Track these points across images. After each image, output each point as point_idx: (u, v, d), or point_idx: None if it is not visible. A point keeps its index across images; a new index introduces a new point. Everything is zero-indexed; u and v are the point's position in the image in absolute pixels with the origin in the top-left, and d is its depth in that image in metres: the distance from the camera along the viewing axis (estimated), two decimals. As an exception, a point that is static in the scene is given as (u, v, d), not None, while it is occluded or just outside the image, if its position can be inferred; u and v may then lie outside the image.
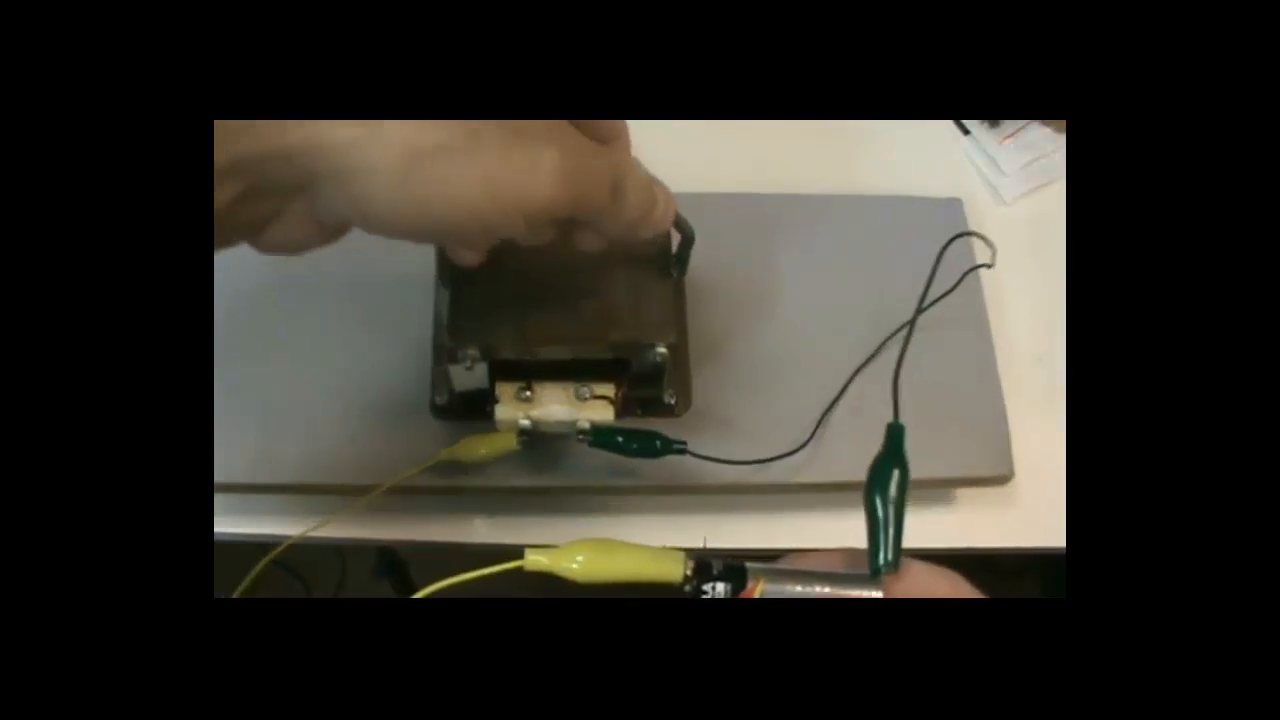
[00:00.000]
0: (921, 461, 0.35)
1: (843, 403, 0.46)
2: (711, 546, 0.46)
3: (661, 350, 0.39)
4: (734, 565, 0.32)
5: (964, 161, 0.59)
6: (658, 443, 0.41)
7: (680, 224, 0.39)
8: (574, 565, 0.32)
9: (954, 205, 0.53)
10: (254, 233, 0.30)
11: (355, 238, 0.31)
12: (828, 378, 0.46)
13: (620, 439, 0.41)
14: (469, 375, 0.40)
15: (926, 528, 0.47)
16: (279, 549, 0.43)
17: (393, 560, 0.90)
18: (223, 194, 0.27)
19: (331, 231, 0.31)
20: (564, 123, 0.31)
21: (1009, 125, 0.58)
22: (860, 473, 0.35)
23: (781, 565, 0.34)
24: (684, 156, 0.40)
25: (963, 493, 0.49)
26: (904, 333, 0.42)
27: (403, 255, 0.38)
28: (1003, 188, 0.57)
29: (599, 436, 0.41)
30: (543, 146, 0.29)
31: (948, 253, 0.44)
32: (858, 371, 0.46)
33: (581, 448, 0.42)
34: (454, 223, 0.28)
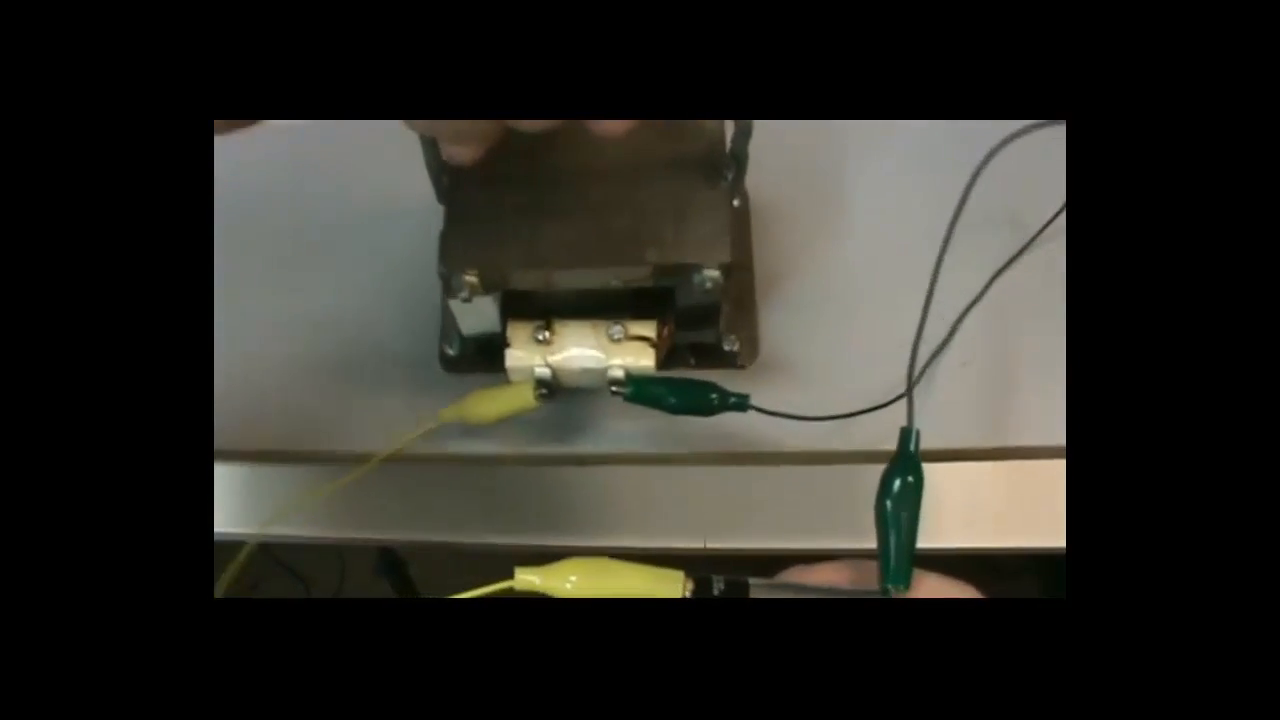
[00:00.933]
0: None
1: (948, 351, 0.37)
2: (711, 546, 0.46)
3: (712, 273, 0.30)
4: (735, 582, 0.30)
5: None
6: (713, 396, 0.33)
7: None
8: (566, 585, 0.30)
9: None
10: None
11: (343, 167, 0.28)
12: (928, 321, 0.36)
13: (664, 391, 0.33)
14: (476, 315, 0.33)
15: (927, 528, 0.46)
16: (256, 539, 0.38)
17: (393, 560, 0.90)
18: None
19: None
20: None
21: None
22: (963, 437, 0.31)
23: (784, 581, 0.32)
24: None
25: (965, 490, 0.49)
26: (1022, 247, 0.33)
27: (404, 184, 0.32)
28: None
29: (637, 388, 0.32)
30: None
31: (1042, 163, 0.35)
32: (963, 316, 0.37)
33: (613, 406, 0.34)
34: None
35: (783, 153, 0.35)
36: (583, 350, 0.33)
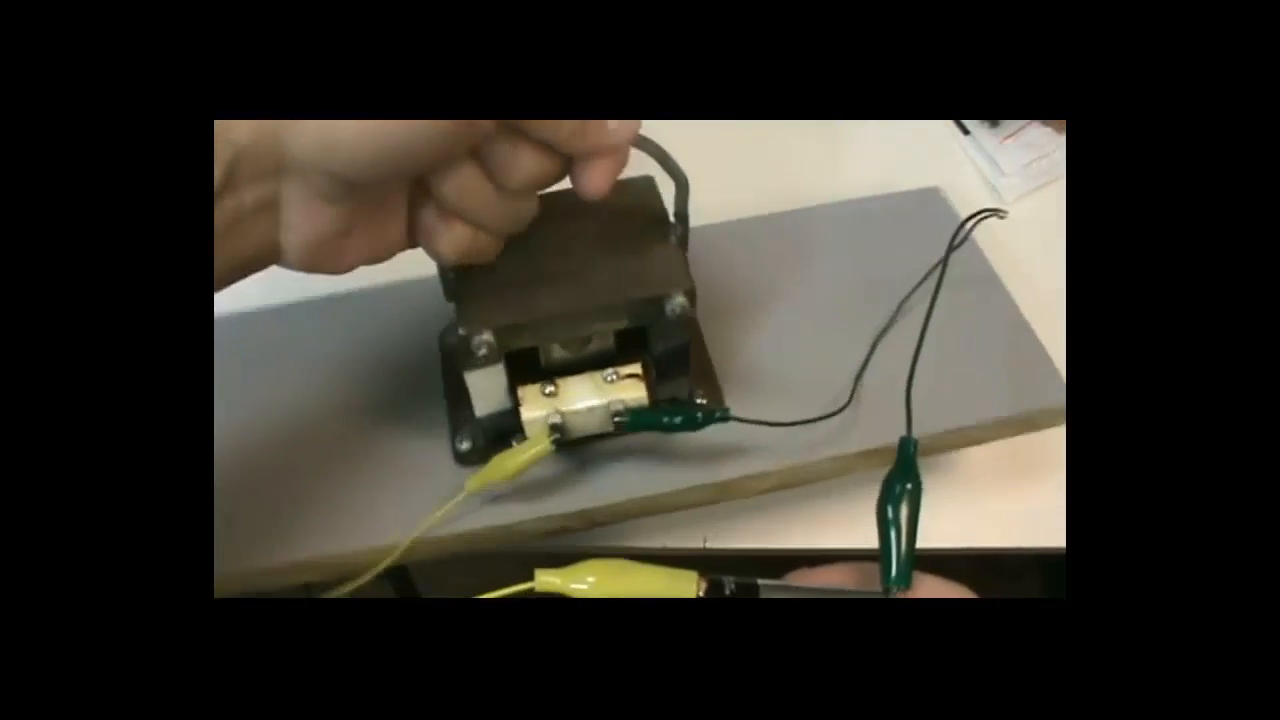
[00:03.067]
0: (970, 409, 0.35)
1: (873, 367, 0.45)
2: (711, 546, 0.46)
3: (681, 300, 0.37)
4: (746, 583, 0.32)
5: (964, 161, 0.59)
6: (699, 413, 0.38)
7: (667, 164, 0.37)
8: (585, 586, 0.31)
9: (932, 194, 0.53)
10: (273, 243, 0.31)
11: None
12: (852, 357, 0.45)
13: (658, 414, 0.38)
14: (488, 389, 0.38)
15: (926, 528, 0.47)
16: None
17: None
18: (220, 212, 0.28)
19: (343, 196, 0.31)
20: None
21: (1009, 125, 0.58)
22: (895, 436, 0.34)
23: (792, 583, 0.33)
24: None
25: (966, 490, 0.49)
26: (920, 291, 0.42)
27: (404, 307, 0.39)
28: (1003, 188, 0.57)
29: (636, 416, 0.38)
30: None
31: (943, 238, 0.44)
32: (879, 339, 0.46)
33: (616, 458, 0.40)
34: (413, 137, 0.29)
35: (725, 267, 0.45)
36: (585, 397, 0.39)
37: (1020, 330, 0.47)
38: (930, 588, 0.32)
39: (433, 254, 0.35)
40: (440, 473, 0.41)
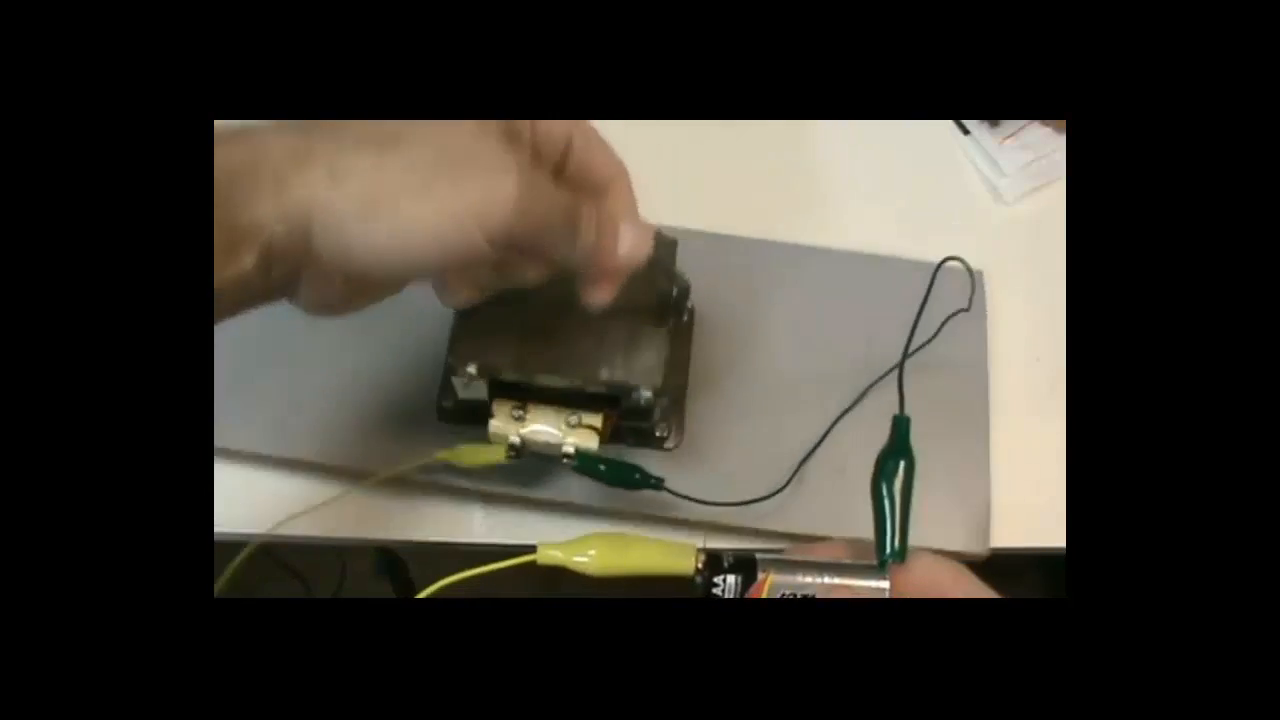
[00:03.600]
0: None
1: (822, 453, 0.47)
2: (711, 547, 0.46)
3: (647, 394, 0.41)
4: (744, 557, 0.33)
5: (964, 161, 0.59)
6: (636, 475, 0.43)
7: (673, 275, 0.41)
8: (586, 559, 0.33)
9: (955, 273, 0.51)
10: (290, 295, 0.33)
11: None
12: (815, 423, 0.47)
13: (601, 467, 0.43)
14: (470, 388, 0.42)
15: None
16: (259, 540, 0.43)
17: (392, 560, 0.90)
18: (243, 262, 0.29)
19: (357, 286, 0.34)
20: (527, 161, 0.32)
21: (1009, 125, 0.58)
22: (831, 527, 0.36)
23: (790, 556, 0.34)
24: (687, 189, 0.40)
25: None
26: (887, 378, 0.44)
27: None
28: (1003, 188, 0.57)
29: (582, 462, 0.42)
30: (497, 175, 0.31)
31: (945, 306, 0.44)
32: (837, 421, 0.47)
33: (564, 468, 0.43)
34: (424, 248, 0.31)
35: (721, 281, 0.46)
36: (546, 429, 0.42)
37: (978, 465, 0.47)
38: (924, 564, 0.33)
39: (441, 300, 0.38)
40: (426, 418, 0.47)
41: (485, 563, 0.34)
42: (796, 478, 0.46)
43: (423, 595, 0.33)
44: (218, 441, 0.44)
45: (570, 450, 0.42)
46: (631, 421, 0.45)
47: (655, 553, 0.33)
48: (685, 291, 0.42)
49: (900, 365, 0.39)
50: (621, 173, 0.36)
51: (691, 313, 0.46)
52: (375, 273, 0.32)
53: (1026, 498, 0.49)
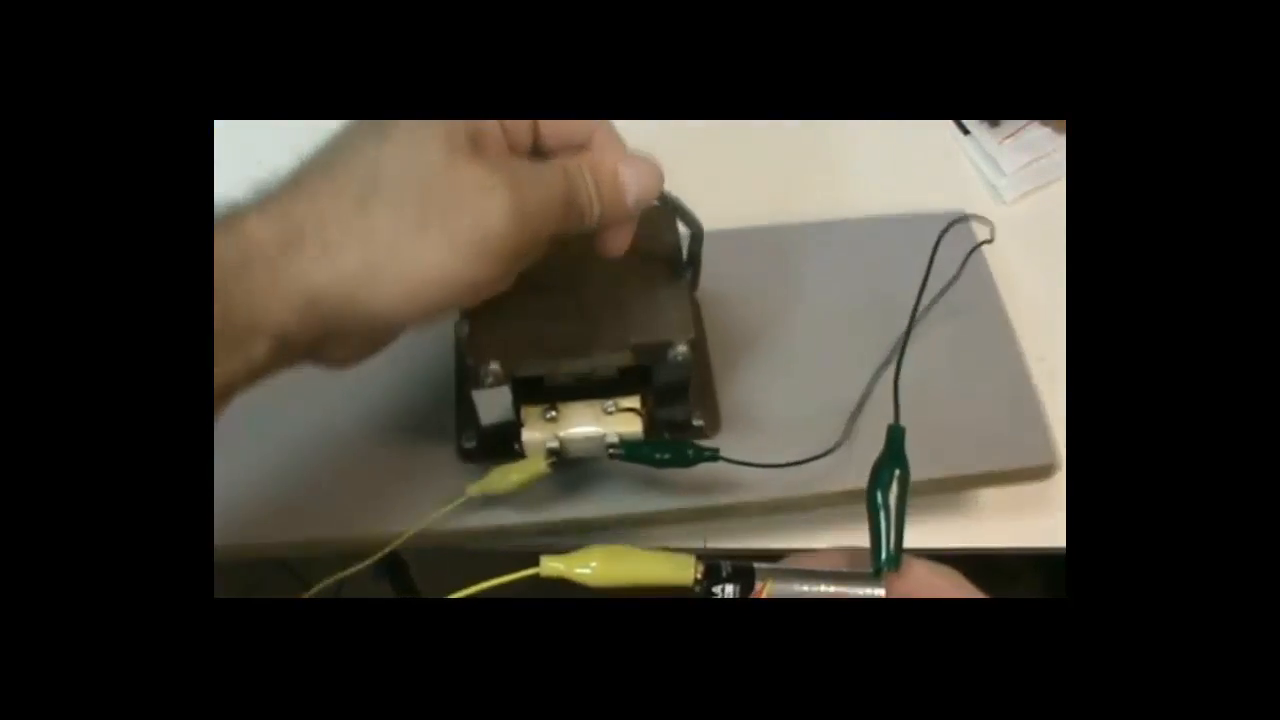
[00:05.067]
0: (954, 458, 0.35)
1: (869, 407, 0.45)
2: (711, 546, 0.46)
3: (683, 349, 0.39)
4: (742, 567, 0.33)
5: (964, 161, 0.59)
6: (690, 451, 0.40)
7: (684, 215, 0.38)
8: (588, 570, 0.33)
9: (951, 217, 0.52)
10: (316, 359, 0.33)
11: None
12: (851, 388, 0.46)
13: (651, 449, 0.40)
14: (493, 404, 0.40)
15: (928, 529, 0.47)
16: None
17: (393, 560, 0.90)
18: (253, 352, 0.29)
19: (381, 336, 0.34)
20: (501, 158, 0.32)
21: (1009, 125, 0.58)
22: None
23: (787, 565, 0.34)
24: (684, 189, 0.39)
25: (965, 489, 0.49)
26: (924, 322, 0.42)
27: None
28: (1003, 188, 0.57)
29: (630, 449, 0.40)
30: (483, 197, 0.30)
31: (954, 250, 0.44)
32: (878, 374, 0.46)
33: (612, 473, 0.41)
34: (439, 291, 0.31)
35: (731, 275, 0.45)
36: (584, 424, 0.40)
37: (1020, 381, 0.46)
38: (919, 572, 0.33)
39: None
40: (444, 465, 0.43)
41: (488, 561, 0.34)
42: (851, 432, 0.44)
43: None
44: (226, 540, 0.40)
45: (615, 439, 0.40)
46: (664, 410, 0.42)
47: (656, 564, 0.33)
48: (699, 236, 0.40)
49: (899, 357, 0.38)
50: (598, 125, 0.35)
51: (694, 343, 0.44)
52: (400, 322, 0.32)
53: (1027, 499, 0.49)
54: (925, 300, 0.47)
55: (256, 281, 0.29)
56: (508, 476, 0.40)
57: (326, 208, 0.30)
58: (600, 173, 0.33)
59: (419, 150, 0.30)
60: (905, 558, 0.33)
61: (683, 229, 0.41)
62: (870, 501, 0.34)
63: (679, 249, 0.41)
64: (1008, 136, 0.58)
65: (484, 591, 0.33)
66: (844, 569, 0.34)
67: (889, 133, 0.59)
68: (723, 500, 0.43)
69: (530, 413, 0.40)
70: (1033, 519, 0.48)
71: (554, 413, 0.40)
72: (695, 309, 0.42)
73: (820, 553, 0.36)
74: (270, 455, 0.44)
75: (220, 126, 0.32)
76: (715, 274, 0.43)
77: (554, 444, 0.40)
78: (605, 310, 0.39)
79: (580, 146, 0.34)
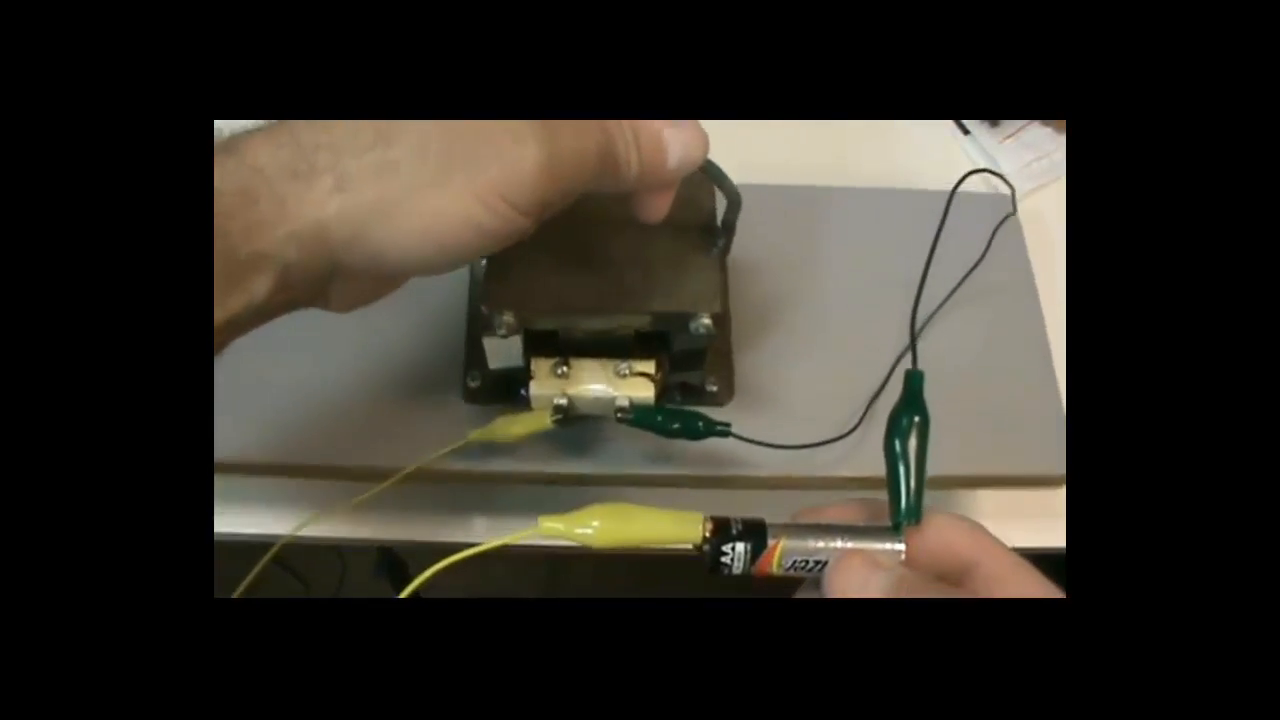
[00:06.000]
0: (965, 454, 0.34)
1: (889, 393, 0.44)
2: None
3: (706, 321, 0.37)
4: (753, 523, 0.31)
5: (964, 161, 0.59)
6: (700, 424, 0.39)
7: (723, 183, 0.37)
8: (589, 530, 0.31)
9: (1001, 200, 0.51)
10: (320, 302, 0.31)
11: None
12: (874, 365, 0.45)
13: (661, 418, 0.39)
14: (503, 351, 0.39)
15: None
16: (282, 541, 0.43)
17: (393, 560, 0.90)
18: (254, 291, 0.28)
19: (390, 279, 0.33)
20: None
21: (1009, 125, 0.58)
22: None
23: (800, 521, 0.32)
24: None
25: (964, 490, 0.49)
26: (945, 306, 0.41)
27: None
28: (1003, 188, 0.57)
29: (639, 415, 0.38)
30: (514, 145, 0.29)
31: (986, 227, 0.43)
32: (900, 359, 0.45)
33: (617, 432, 0.40)
34: (457, 236, 0.29)
35: (755, 229, 0.42)
36: (595, 383, 0.39)
37: (1045, 380, 0.44)
38: (939, 524, 0.32)
39: None
40: (449, 402, 0.43)
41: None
42: (868, 416, 0.43)
43: (425, 575, 0.32)
44: (223, 455, 0.41)
45: (625, 404, 0.38)
46: (678, 374, 0.41)
47: (661, 522, 0.31)
48: (737, 203, 0.38)
49: (913, 316, 0.38)
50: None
51: (719, 318, 0.43)
52: (410, 268, 0.30)
53: (1027, 497, 0.49)
54: (954, 279, 0.45)
55: (260, 212, 0.27)
56: (510, 428, 0.39)
57: (342, 137, 0.28)
58: (643, 132, 0.32)
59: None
60: (926, 509, 0.32)
61: (720, 197, 0.39)
62: (888, 451, 0.32)
63: (714, 216, 0.39)
64: (1008, 136, 0.58)
65: (481, 569, 0.32)
66: (861, 523, 0.32)
67: (890, 132, 0.59)
68: (727, 472, 0.42)
69: (540, 365, 0.39)
70: (1032, 518, 0.48)
71: (565, 368, 0.39)
72: (724, 280, 0.40)
73: (835, 506, 0.34)
74: (278, 379, 0.43)
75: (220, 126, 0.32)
76: (745, 234, 0.41)
77: (562, 400, 0.39)
78: (630, 271, 0.37)
79: None
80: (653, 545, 0.32)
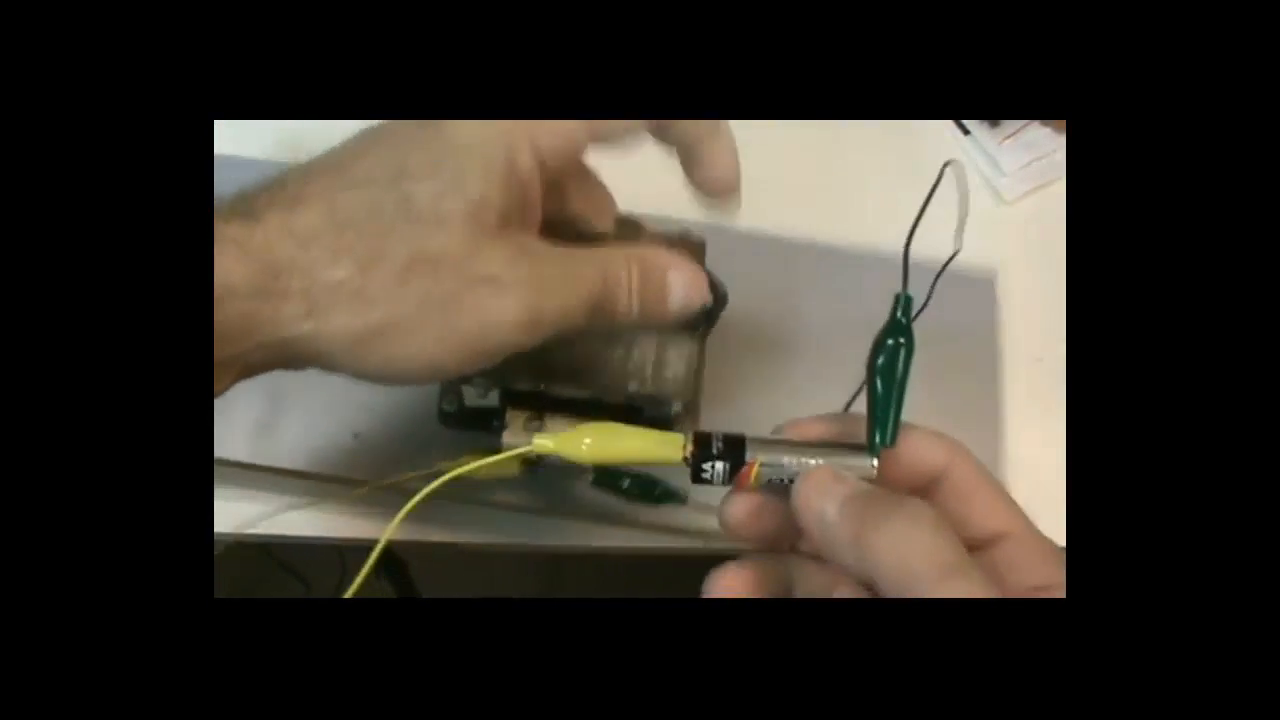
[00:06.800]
0: None
1: None
2: (714, 547, 0.46)
3: (677, 408, 0.39)
4: (733, 438, 0.32)
5: (964, 161, 0.59)
6: (656, 490, 0.41)
7: (714, 284, 0.38)
8: (581, 448, 0.32)
9: (985, 283, 0.52)
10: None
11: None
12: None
13: (623, 483, 0.41)
14: (480, 395, 0.40)
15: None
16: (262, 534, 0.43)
17: (393, 560, 0.90)
18: (224, 381, 0.28)
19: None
20: (531, 243, 0.29)
21: (1009, 125, 0.58)
22: None
23: (777, 437, 0.33)
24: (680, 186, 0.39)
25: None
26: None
27: None
28: (1003, 188, 0.57)
29: (600, 476, 0.40)
30: (495, 297, 0.28)
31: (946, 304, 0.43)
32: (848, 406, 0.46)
33: (581, 482, 0.42)
34: (421, 376, 0.29)
35: (740, 269, 0.43)
36: None
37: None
38: (914, 437, 0.31)
39: None
40: (423, 420, 0.44)
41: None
42: None
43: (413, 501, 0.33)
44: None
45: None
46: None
47: (647, 440, 0.33)
48: (723, 300, 0.40)
49: (907, 248, 0.37)
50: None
51: (690, 405, 0.45)
52: (379, 384, 0.30)
53: (1027, 497, 0.49)
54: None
55: (227, 325, 0.27)
56: (479, 468, 0.40)
57: (318, 259, 0.27)
58: (649, 272, 0.31)
59: (438, 226, 0.28)
60: (904, 425, 0.32)
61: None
62: (869, 375, 0.32)
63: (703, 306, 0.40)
64: (1008, 136, 0.58)
65: (472, 472, 0.33)
66: (835, 440, 0.32)
67: (889, 132, 0.59)
68: (681, 544, 0.44)
69: (515, 417, 0.40)
70: (1032, 519, 0.48)
71: (538, 423, 0.40)
72: (701, 365, 0.42)
73: (813, 420, 0.34)
74: (262, 381, 0.44)
75: (220, 126, 0.32)
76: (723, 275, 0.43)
77: (531, 455, 0.39)
78: (610, 349, 0.39)
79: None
80: (638, 461, 0.33)
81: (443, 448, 0.43)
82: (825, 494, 0.29)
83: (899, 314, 0.33)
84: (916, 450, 0.31)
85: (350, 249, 0.27)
